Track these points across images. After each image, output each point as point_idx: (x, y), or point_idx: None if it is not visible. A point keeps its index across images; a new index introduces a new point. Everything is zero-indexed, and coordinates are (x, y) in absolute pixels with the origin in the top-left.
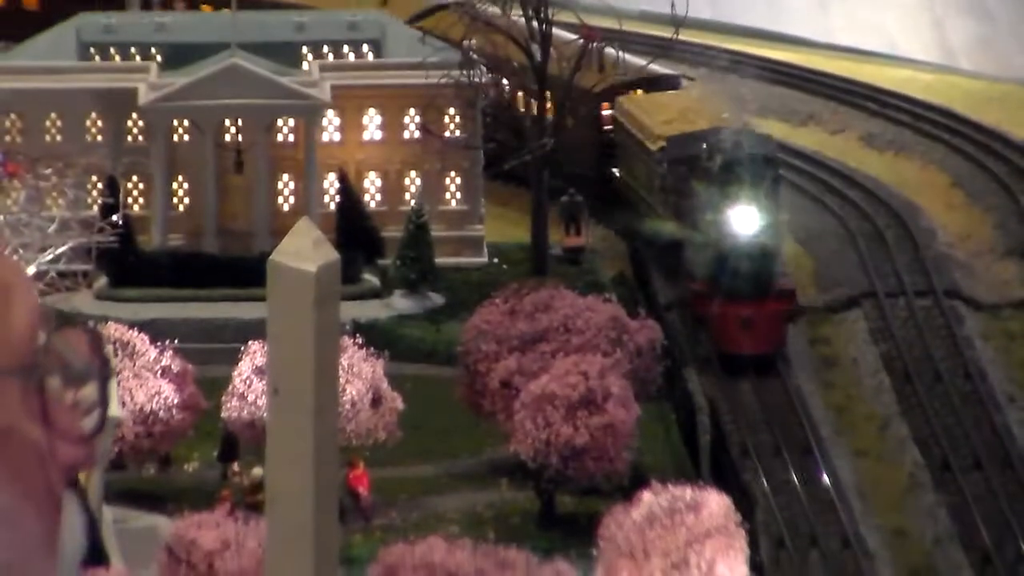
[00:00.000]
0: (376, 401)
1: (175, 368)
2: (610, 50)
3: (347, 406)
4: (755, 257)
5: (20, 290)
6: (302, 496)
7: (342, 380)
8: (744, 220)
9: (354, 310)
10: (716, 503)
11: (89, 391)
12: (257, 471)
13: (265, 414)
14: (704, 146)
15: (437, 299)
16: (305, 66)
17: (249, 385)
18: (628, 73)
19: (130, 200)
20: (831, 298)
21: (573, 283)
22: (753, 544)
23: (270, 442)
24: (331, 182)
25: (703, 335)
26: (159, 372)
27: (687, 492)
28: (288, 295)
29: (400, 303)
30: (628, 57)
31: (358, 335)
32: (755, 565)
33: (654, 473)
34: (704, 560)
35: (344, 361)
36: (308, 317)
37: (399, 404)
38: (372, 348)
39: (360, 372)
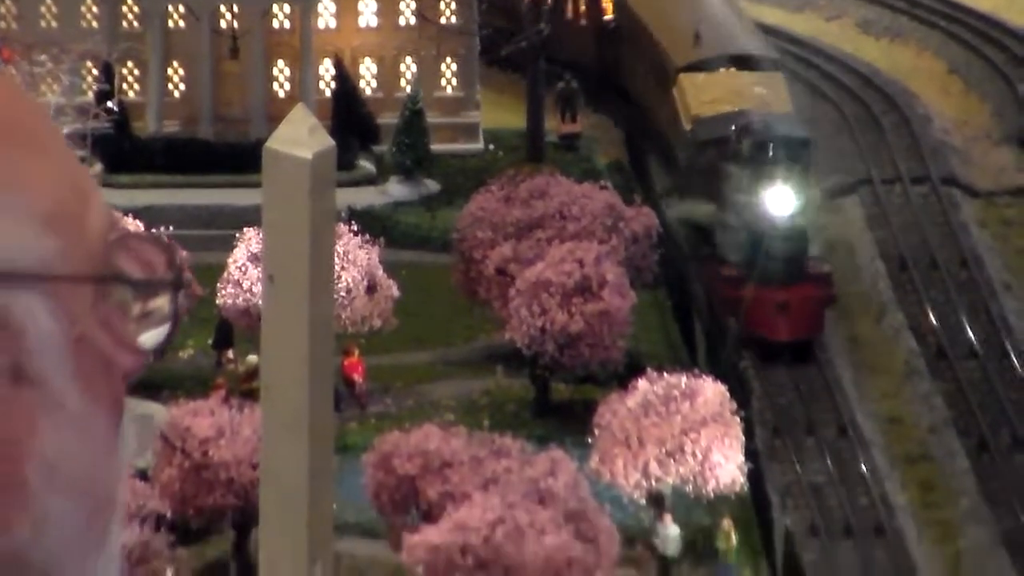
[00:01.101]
0: (371, 288)
1: None
2: None
3: (342, 293)
4: (790, 240)
5: (96, 196)
6: (297, 383)
7: (337, 267)
8: (778, 202)
9: (350, 196)
10: (712, 391)
11: (160, 303)
12: (252, 358)
13: (260, 301)
14: (734, 128)
15: (432, 186)
16: None
17: (244, 272)
18: None
19: (125, 86)
20: (827, 185)
21: (569, 170)
22: (749, 432)
23: (265, 329)
24: (327, 68)
25: (734, 321)
26: None
27: (682, 380)
28: (283, 182)
29: (396, 190)
30: None
31: (353, 222)
32: (751, 453)
33: (650, 361)
34: (699, 448)
35: (339, 248)
36: (304, 204)
37: (394, 291)
38: (367, 235)
39: (355, 259)
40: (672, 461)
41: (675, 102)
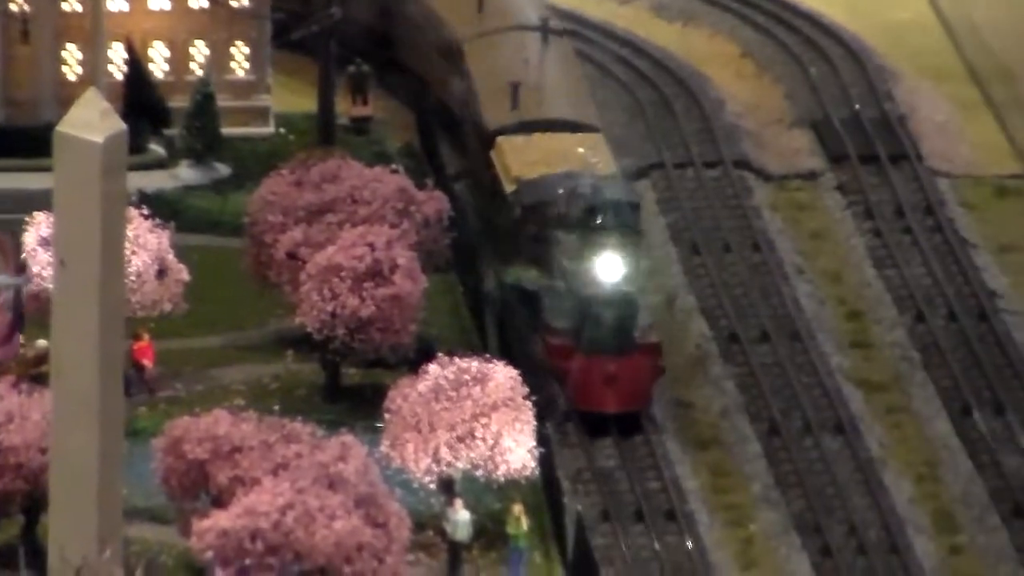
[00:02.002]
0: (162, 272)
1: None
2: None
3: (132, 277)
4: (619, 309)
5: None
6: (87, 368)
7: (128, 251)
8: (607, 269)
9: (140, 180)
10: (503, 375)
11: None
12: (41, 343)
13: (51, 286)
14: (561, 191)
15: (223, 169)
16: None
17: (34, 256)
18: None
19: None
20: (620, 168)
21: (360, 153)
22: (540, 417)
23: (55, 314)
24: (118, 52)
25: (559, 391)
26: None
27: (473, 365)
28: (75, 166)
29: (186, 173)
30: None
31: (144, 206)
32: (541, 438)
33: (441, 345)
34: (490, 433)
35: (130, 232)
36: (95, 188)
37: (185, 275)
38: (158, 219)
39: (146, 243)
40: (463, 446)
41: (494, 164)
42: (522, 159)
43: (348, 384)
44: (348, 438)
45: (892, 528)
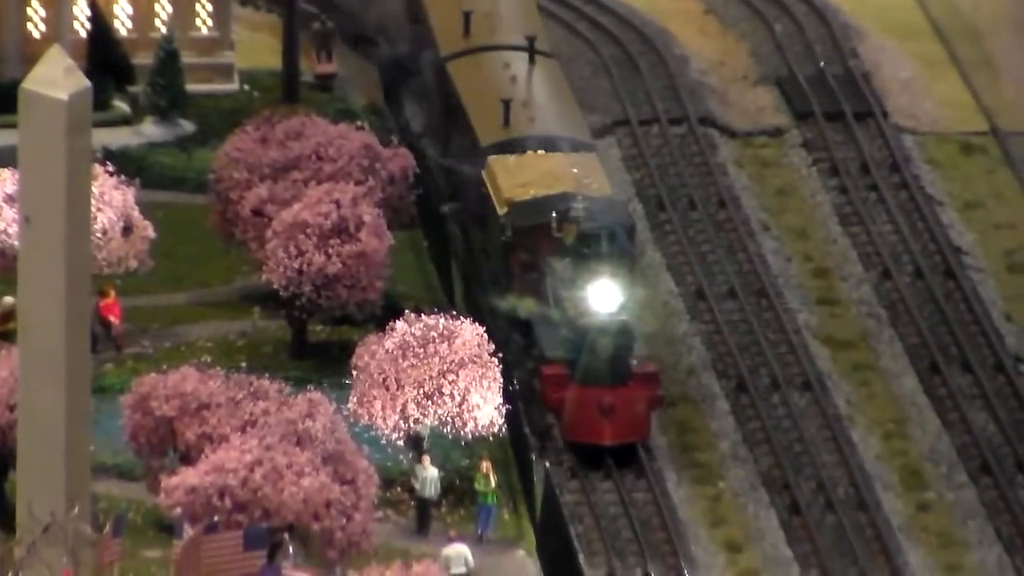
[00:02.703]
0: (127, 229)
1: None
2: None
3: (98, 234)
4: (615, 338)
5: None
6: (54, 325)
7: (93, 208)
8: (603, 297)
9: (105, 137)
10: (470, 332)
11: None
12: (7, 300)
13: (16, 243)
14: (554, 214)
15: (188, 126)
16: None
17: None
18: None
19: None
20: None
21: (325, 110)
22: (506, 373)
23: (22, 271)
24: (81, 8)
25: (552, 422)
26: None
27: (440, 322)
28: (40, 123)
29: (150, 130)
30: None
31: (108, 163)
32: (509, 395)
33: (407, 302)
34: (457, 390)
35: (95, 189)
36: (60, 145)
37: (150, 232)
38: (123, 176)
39: (111, 200)
40: (430, 403)
41: (485, 184)
42: (514, 180)
43: (315, 341)
44: (316, 395)
45: (860, 485)
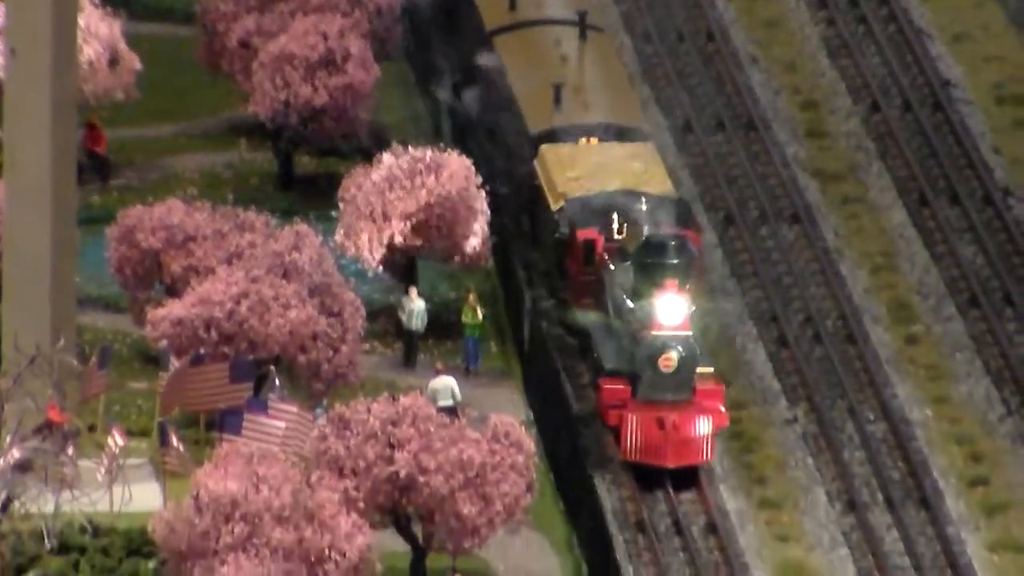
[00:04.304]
0: (113, 61)
1: None
2: None
3: (84, 66)
4: (680, 352)
5: None
6: (40, 157)
7: (79, 40)
8: (667, 309)
9: None
10: (457, 165)
11: None
12: None
13: (2, 75)
14: (615, 215)
15: None
16: None
17: None
18: None
19: None
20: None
21: None
22: (495, 208)
23: (7, 104)
24: None
25: (609, 440)
26: None
27: (427, 154)
28: None
29: None
30: None
31: None
32: (496, 227)
33: (394, 135)
34: (444, 222)
35: (81, 21)
36: None
37: (136, 64)
38: (109, 7)
39: (97, 32)
40: (417, 235)
41: (537, 175)
42: (568, 173)
43: (301, 173)
44: (302, 227)
45: (848, 318)
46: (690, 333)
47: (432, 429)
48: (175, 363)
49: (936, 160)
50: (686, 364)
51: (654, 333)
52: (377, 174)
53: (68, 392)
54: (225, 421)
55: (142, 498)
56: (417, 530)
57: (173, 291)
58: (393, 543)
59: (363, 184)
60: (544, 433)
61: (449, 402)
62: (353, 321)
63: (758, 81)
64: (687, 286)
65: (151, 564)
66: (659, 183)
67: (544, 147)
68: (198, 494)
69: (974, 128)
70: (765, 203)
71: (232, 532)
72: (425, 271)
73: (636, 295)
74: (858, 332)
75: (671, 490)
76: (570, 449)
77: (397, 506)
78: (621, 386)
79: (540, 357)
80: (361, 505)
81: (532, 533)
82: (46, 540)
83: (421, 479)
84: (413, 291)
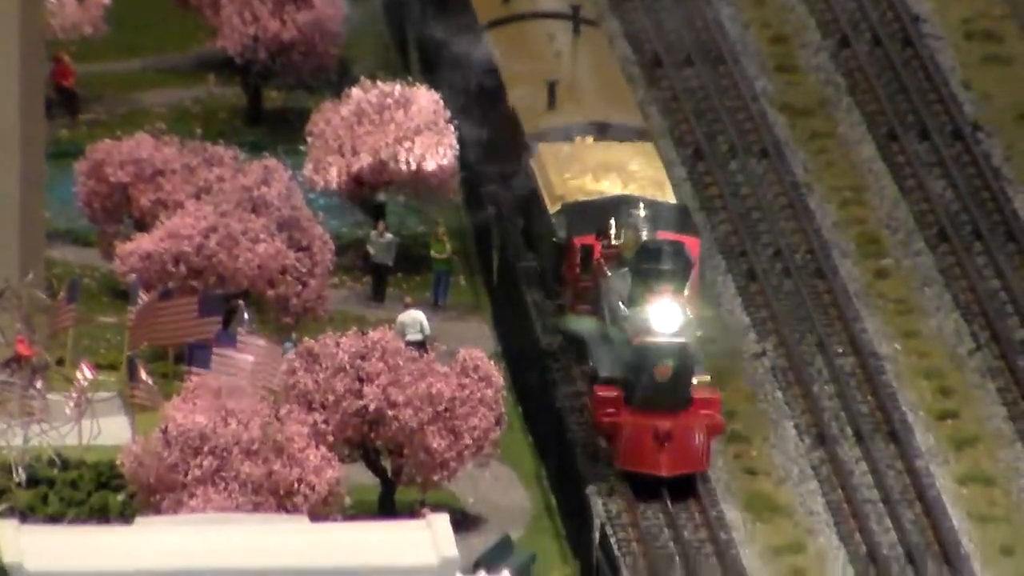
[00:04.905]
0: None
1: None
2: None
3: (52, 0)
4: (675, 360)
5: None
6: (8, 91)
7: None
8: (664, 316)
9: None
10: (426, 99)
11: None
12: None
13: None
14: (612, 221)
15: None
16: None
17: None
18: None
19: None
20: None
21: None
22: (462, 140)
23: None
24: None
25: (603, 449)
26: None
27: (396, 88)
28: None
29: None
30: None
31: None
32: (465, 163)
33: (363, 69)
34: (413, 156)
35: None
36: None
37: None
38: None
39: None
40: (386, 169)
41: (534, 175)
42: (567, 175)
43: (270, 108)
44: (271, 161)
45: (817, 252)
46: (686, 340)
47: (401, 363)
48: (144, 297)
49: (905, 95)
50: (682, 372)
51: (649, 340)
52: (346, 108)
53: (37, 326)
54: (194, 355)
55: (111, 432)
56: (386, 464)
57: (142, 225)
58: (362, 477)
59: (332, 119)
60: (513, 367)
61: (418, 336)
62: (322, 255)
63: (727, 15)
64: (684, 293)
65: (120, 497)
66: (658, 186)
67: (542, 146)
68: (167, 428)
69: (943, 63)
70: (734, 137)
71: (201, 466)
72: (393, 205)
73: (632, 302)
74: (827, 266)
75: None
76: (539, 383)
77: (366, 440)
78: (616, 394)
79: (509, 291)
80: (330, 439)
81: (501, 467)
82: (15, 473)
83: (390, 413)
84: (381, 225)
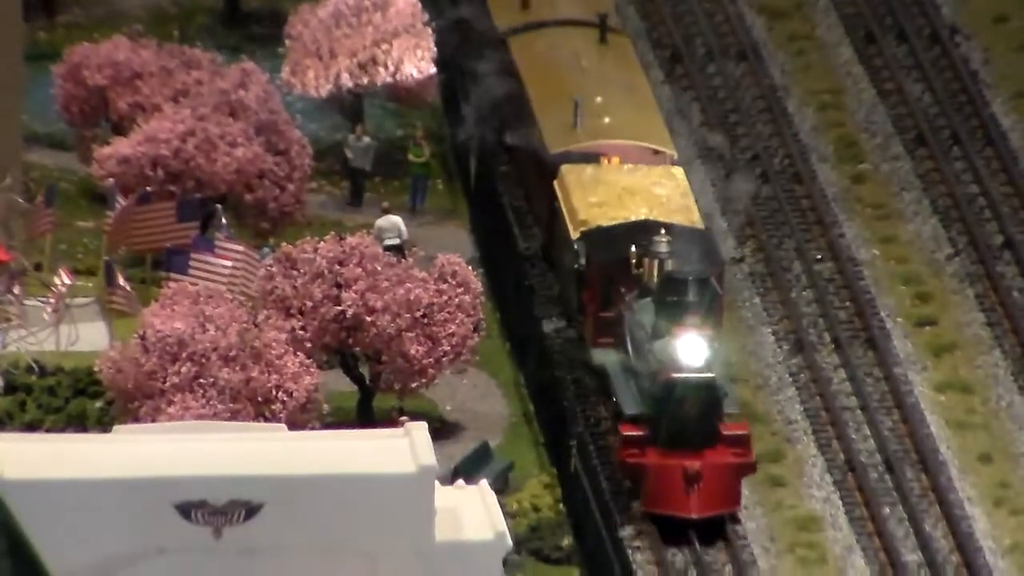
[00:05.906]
0: None
1: None
2: None
3: None
4: (703, 396)
5: None
6: None
7: None
8: (689, 351)
9: None
10: (403, 2)
11: None
12: None
13: None
14: (635, 249)
15: None
16: None
17: None
18: None
19: None
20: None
21: None
22: (440, 44)
23: None
24: None
25: (628, 490)
26: None
27: None
28: None
29: None
30: None
31: None
32: (441, 65)
33: None
34: (391, 59)
35: None
36: None
37: None
38: None
39: None
40: (364, 72)
41: (556, 198)
42: (590, 199)
43: (248, 10)
44: (249, 65)
45: (795, 156)
46: (713, 375)
47: (379, 268)
48: (121, 202)
49: None
50: (709, 409)
51: (676, 376)
52: (324, 11)
53: (14, 231)
54: (172, 260)
55: (88, 338)
56: (364, 370)
57: (119, 129)
58: (340, 383)
59: (310, 21)
60: (491, 272)
61: (396, 241)
62: (300, 159)
63: None
64: (709, 326)
65: (98, 404)
66: (685, 212)
67: (565, 167)
68: (145, 334)
69: None
70: (712, 40)
71: (179, 372)
72: (371, 109)
73: (656, 335)
74: (805, 171)
75: None
76: (517, 288)
77: (344, 346)
78: (642, 432)
79: (487, 195)
80: (308, 345)
81: (479, 374)
82: None
83: (368, 319)
84: (360, 128)
